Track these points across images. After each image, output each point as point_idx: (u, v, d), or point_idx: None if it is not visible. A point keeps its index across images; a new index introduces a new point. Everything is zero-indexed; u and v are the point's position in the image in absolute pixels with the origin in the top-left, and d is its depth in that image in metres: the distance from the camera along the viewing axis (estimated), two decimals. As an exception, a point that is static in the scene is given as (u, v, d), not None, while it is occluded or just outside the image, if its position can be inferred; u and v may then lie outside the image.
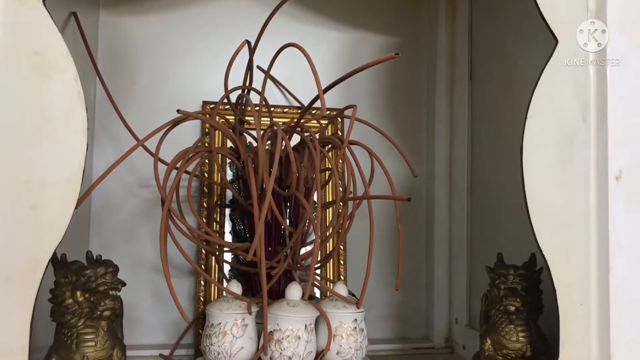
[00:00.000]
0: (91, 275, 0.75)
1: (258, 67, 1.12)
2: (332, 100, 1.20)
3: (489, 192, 1.13)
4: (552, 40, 0.77)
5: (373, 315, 1.21)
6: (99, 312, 0.75)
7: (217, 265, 1.13)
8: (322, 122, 1.18)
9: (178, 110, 0.86)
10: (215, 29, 1.23)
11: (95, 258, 0.79)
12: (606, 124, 0.74)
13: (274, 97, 1.24)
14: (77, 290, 0.75)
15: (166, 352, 1.06)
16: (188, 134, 1.14)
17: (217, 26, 1.24)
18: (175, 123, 0.88)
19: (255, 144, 1.01)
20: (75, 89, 0.67)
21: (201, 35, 1.23)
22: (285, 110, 1.23)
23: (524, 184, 0.76)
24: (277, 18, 1.03)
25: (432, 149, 1.29)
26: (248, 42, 0.95)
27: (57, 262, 0.75)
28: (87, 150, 0.68)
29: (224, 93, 0.99)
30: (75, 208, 0.69)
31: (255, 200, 0.80)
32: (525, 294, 0.84)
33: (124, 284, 0.78)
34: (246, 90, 0.99)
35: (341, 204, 0.96)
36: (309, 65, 0.81)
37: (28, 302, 0.65)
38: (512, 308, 0.84)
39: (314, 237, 0.88)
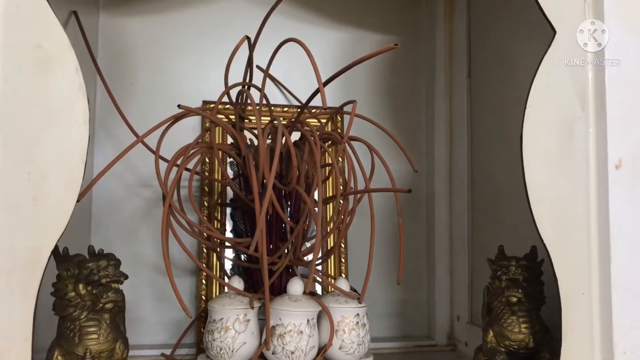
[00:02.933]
0: (93, 267, 0.75)
1: (258, 66, 1.12)
2: (332, 99, 1.21)
3: (489, 188, 1.13)
4: (549, 37, 0.77)
5: (375, 314, 1.20)
6: (101, 305, 0.75)
7: (218, 263, 1.13)
8: (321, 118, 1.18)
9: (179, 106, 0.86)
10: (215, 29, 1.24)
11: (97, 252, 0.79)
12: (605, 112, 0.74)
13: (274, 96, 1.25)
14: (80, 283, 0.75)
15: (168, 352, 1.06)
16: (188, 134, 1.14)
17: (216, 26, 1.24)
18: (176, 119, 0.88)
19: (255, 142, 1.01)
20: (77, 80, 0.67)
21: (201, 35, 1.24)
22: (285, 109, 1.23)
23: (524, 174, 0.76)
24: (276, 18, 1.03)
25: (431, 146, 1.29)
26: (248, 37, 0.96)
27: (59, 255, 0.75)
28: (89, 142, 0.68)
29: (223, 90, 0.99)
30: (78, 201, 0.69)
31: (256, 194, 0.80)
32: (527, 285, 0.84)
33: (126, 277, 0.78)
34: (246, 87, 0.99)
35: (342, 199, 0.96)
36: (308, 63, 0.81)
37: (31, 293, 0.65)
38: (514, 299, 0.84)
39: (315, 233, 0.88)
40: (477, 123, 1.18)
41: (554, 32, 0.77)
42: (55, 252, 0.73)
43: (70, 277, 0.75)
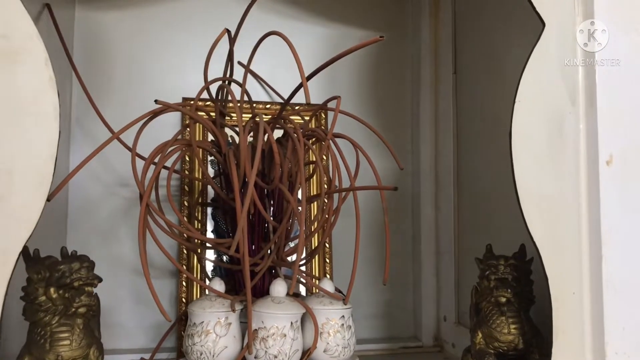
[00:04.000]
0: (65, 270, 0.72)
1: (239, 62, 1.10)
2: (315, 96, 1.19)
3: (475, 186, 1.11)
4: (537, 31, 0.76)
5: (360, 315, 1.19)
6: (73, 309, 0.71)
7: (199, 265, 1.10)
8: (305, 115, 1.16)
9: (156, 101, 0.83)
10: (195, 24, 1.21)
11: (70, 254, 0.75)
12: (595, 107, 0.73)
13: (257, 93, 1.22)
14: (51, 286, 0.71)
15: (148, 356, 1.03)
16: (168, 131, 1.10)
17: (196, 21, 1.21)
18: (154, 114, 0.85)
19: (237, 140, 0.99)
20: (46, 72, 0.64)
21: (180, 30, 1.21)
22: (268, 106, 1.21)
23: (514, 170, 0.75)
24: (260, 13, 1.01)
25: (417, 144, 1.28)
26: (228, 31, 0.93)
27: (30, 258, 0.72)
28: (59, 137, 0.65)
29: (203, 86, 0.96)
30: (49, 200, 0.66)
31: (237, 192, 0.78)
32: (516, 285, 0.83)
33: (100, 280, 0.74)
34: (227, 82, 0.97)
35: (326, 197, 0.94)
36: (292, 60, 0.79)
37: (-3, 297, 0.62)
38: (503, 299, 0.82)
39: (299, 233, 0.86)
40: (463, 120, 1.16)
41: (543, 25, 0.75)
42: (24, 254, 0.69)
43: (40, 280, 0.71)
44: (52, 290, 0.71)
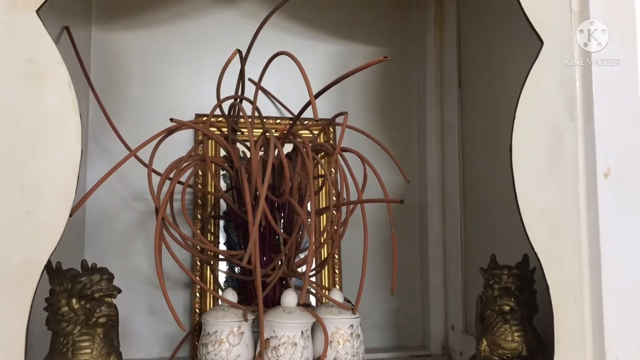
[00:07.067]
0: (86, 282, 0.75)
1: (250, 79, 1.13)
2: (324, 110, 1.22)
3: (481, 197, 1.14)
4: (537, 46, 0.79)
5: (369, 324, 1.21)
6: (94, 319, 0.75)
7: (212, 276, 1.13)
8: (314, 130, 1.19)
9: (172, 119, 0.86)
10: (207, 42, 1.25)
11: (90, 266, 0.79)
12: (593, 121, 0.75)
13: (267, 109, 1.25)
14: (73, 297, 0.74)
15: (162, 365, 1.06)
16: (180, 147, 1.14)
17: (209, 39, 1.25)
18: (169, 132, 0.89)
19: (248, 155, 1.02)
20: (69, 96, 0.67)
21: (192, 49, 1.24)
22: (278, 121, 1.24)
23: (515, 184, 0.77)
24: (268, 31, 1.04)
25: (423, 156, 1.30)
26: (239, 51, 0.97)
27: (52, 270, 0.75)
28: (81, 157, 0.68)
29: (216, 103, 1.00)
30: (71, 215, 0.70)
31: (249, 206, 0.81)
32: (519, 294, 0.85)
33: (119, 291, 0.78)
34: (238, 100, 1.00)
35: (334, 210, 0.96)
36: (299, 76, 0.82)
37: (24, 308, 0.65)
38: (507, 308, 0.84)
39: (309, 244, 0.88)
40: (468, 133, 1.19)
41: (541, 43, 0.78)
42: (48, 266, 0.73)
43: (63, 291, 0.75)
44: (74, 301, 0.75)
